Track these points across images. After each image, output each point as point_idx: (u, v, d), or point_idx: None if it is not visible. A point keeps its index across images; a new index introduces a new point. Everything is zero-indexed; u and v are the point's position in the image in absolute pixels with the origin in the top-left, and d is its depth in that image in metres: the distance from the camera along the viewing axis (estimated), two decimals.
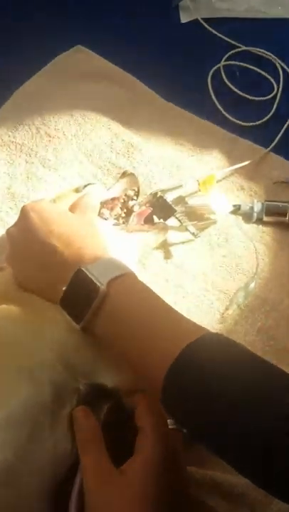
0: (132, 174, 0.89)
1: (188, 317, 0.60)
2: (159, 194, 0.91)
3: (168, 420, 0.61)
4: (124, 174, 0.89)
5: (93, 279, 0.60)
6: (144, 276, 0.77)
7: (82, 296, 0.61)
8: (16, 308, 0.64)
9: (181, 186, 0.96)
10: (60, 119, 1.02)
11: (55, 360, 0.62)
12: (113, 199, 0.85)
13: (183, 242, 0.93)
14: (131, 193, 0.88)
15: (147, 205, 0.88)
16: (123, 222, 0.85)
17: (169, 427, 0.60)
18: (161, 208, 0.89)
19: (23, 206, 0.70)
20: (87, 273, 0.61)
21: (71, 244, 0.66)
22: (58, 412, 0.59)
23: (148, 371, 0.55)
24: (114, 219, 0.84)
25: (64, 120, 1.02)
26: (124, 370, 0.62)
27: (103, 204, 0.82)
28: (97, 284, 0.60)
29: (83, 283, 0.61)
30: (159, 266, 0.90)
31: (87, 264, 0.62)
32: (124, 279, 0.62)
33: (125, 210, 0.86)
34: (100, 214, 0.80)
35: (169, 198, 0.93)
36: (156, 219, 0.88)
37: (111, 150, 1.00)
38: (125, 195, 0.87)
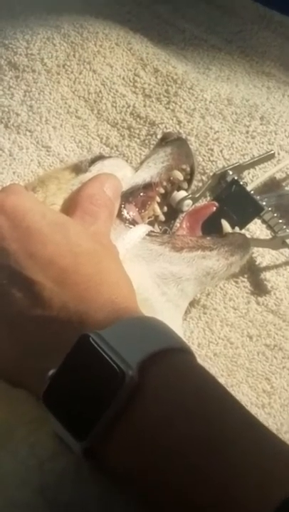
0: (180, 140, 0.70)
1: None
2: (231, 175, 0.70)
3: None
4: (164, 139, 0.69)
5: (112, 355, 0.46)
6: (207, 336, 0.66)
7: (88, 390, 0.46)
8: None
9: (271, 156, 0.74)
10: (37, 35, 0.86)
11: None
12: (146, 188, 0.65)
13: (278, 267, 0.73)
14: (178, 175, 0.67)
15: (208, 197, 0.71)
16: (164, 231, 0.67)
17: None
18: (236, 204, 0.69)
19: None
20: (101, 344, 0.46)
21: (69, 281, 0.50)
22: None
23: None
24: (149, 223, 0.66)
25: (43, 38, 0.86)
26: None
27: (127, 197, 0.64)
28: (121, 366, 0.45)
29: (92, 363, 0.46)
30: (236, 311, 0.69)
31: (99, 327, 0.48)
32: (173, 358, 0.47)
33: (166, 209, 0.67)
34: (120, 215, 0.62)
35: (251, 182, 0.73)
36: (226, 226, 0.67)
37: (134, 91, 0.84)
38: (168, 179, 0.67)
